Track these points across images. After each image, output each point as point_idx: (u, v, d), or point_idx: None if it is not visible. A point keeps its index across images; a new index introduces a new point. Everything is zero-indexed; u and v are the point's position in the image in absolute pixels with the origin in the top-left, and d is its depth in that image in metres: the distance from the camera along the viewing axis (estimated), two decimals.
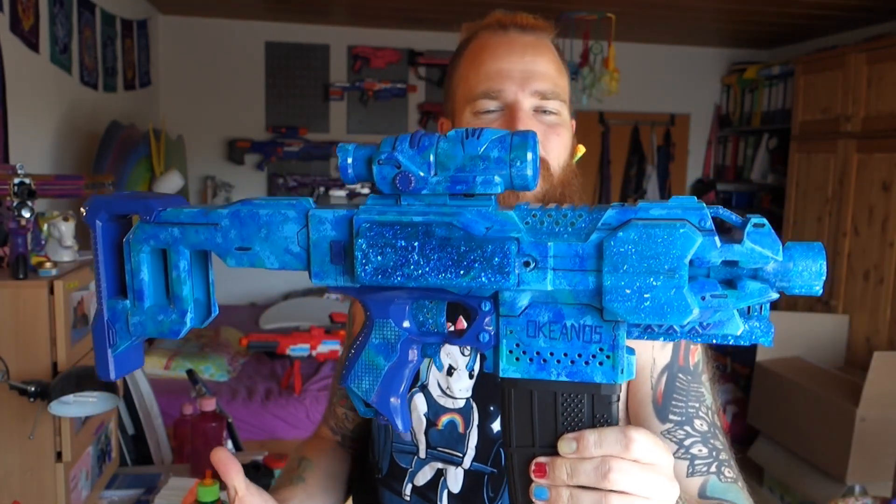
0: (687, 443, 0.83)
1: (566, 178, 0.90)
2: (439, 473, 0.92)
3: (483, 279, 0.48)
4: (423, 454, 0.93)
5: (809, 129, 3.93)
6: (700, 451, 0.83)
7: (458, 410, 0.92)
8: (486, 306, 0.52)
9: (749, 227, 0.46)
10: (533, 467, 0.52)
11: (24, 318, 1.46)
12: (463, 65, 0.93)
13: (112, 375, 0.57)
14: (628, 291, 0.46)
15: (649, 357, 0.86)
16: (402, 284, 0.50)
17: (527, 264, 0.49)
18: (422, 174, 0.51)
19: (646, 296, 0.46)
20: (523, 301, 0.50)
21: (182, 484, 1.75)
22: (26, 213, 1.49)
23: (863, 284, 3.53)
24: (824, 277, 0.46)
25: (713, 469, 0.82)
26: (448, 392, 0.92)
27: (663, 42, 4.78)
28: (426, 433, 0.93)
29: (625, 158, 4.94)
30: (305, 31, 4.47)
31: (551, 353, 0.50)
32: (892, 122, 3.35)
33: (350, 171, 0.53)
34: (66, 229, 1.66)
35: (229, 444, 2.12)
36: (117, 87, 3.36)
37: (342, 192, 4.56)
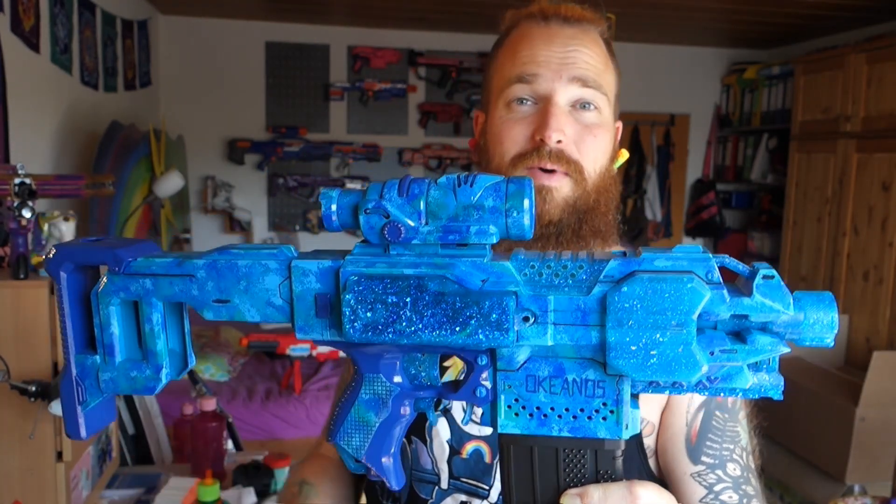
0: (717, 488, 0.79)
1: (603, 185, 0.84)
2: None
3: (480, 336, 0.46)
4: (445, 484, 0.85)
5: (809, 129, 3.93)
6: (730, 497, 0.79)
7: (485, 438, 0.84)
8: (483, 360, 0.49)
9: (758, 280, 0.45)
10: None
11: (24, 318, 1.46)
12: (500, 54, 0.87)
13: (83, 434, 0.53)
14: (634, 348, 0.44)
15: None
16: (394, 342, 0.47)
17: (526, 319, 0.46)
18: (412, 224, 0.48)
19: (652, 352, 0.44)
20: (522, 355, 0.48)
21: (182, 484, 1.75)
22: (27, 213, 1.49)
23: (862, 284, 3.53)
24: (836, 330, 0.45)
25: None
26: (474, 418, 0.84)
27: (663, 42, 4.78)
28: (449, 462, 0.85)
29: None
30: (305, 31, 4.47)
31: (552, 409, 0.48)
32: (891, 122, 3.35)
33: (334, 218, 0.50)
34: (67, 229, 1.66)
35: (229, 443, 2.12)
36: (117, 87, 3.37)
37: None
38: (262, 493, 1.78)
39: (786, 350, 0.45)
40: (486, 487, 0.84)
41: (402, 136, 4.68)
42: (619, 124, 0.92)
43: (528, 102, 0.83)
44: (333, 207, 0.50)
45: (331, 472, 0.94)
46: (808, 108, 3.94)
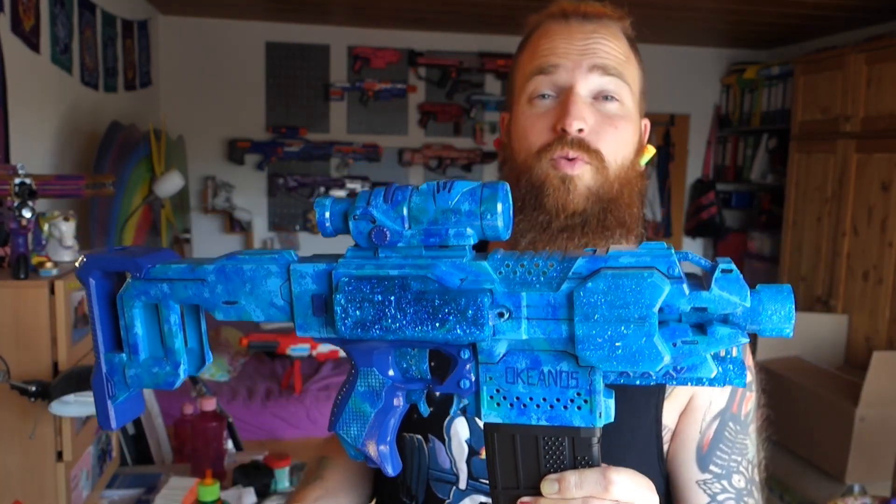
0: (720, 498, 0.80)
1: (627, 177, 0.84)
2: None
3: (458, 331, 0.49)
4: (463, 485, 0.85)
5: (809, 129, 3.93)
6: None
7: None
8: (465, 354, 0.52)
9: (717, 274, 0.47)
10: None
11: (24, 318, 1.46)
12: (522, 55, 0.88)
13: (113, 426, 0.58)
14: (600, 340, 0.47)
15: (707, 398, 0.83)
16: (381, 338, 0.51)
17: (501, 315, 0.50)
18: (396, 228, 0.51)
19: (617, 344, 0.47)
20: (501, 349, 0.51)
21: (182, 484, 1.75)
22: (27, 213, 1.50)
23: (862, 284, 3.53)
24: (794, 320, 0.47)
25: None
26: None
27: (663, 42, 4.78)
28: (468, 462, 0.85)
29: None
30: (305, 31, 4.47)
31: (531, 398, 0.51)
32: (891, 122, 3.35)
33: (328, 224, 0.54)
34: (67, 229, 1.66)
35: (229, 443, 2.13)
36: (118, 88, 3.37)
37: (342, 193, 4.56)
38: (262, 493, 1.78)
39: (745, 341, 0.47)
40: None
41: (402, 136, 4.68)
42: (647, 121, 0.92)
43: (550, 96, 0.83)
44: (327, 215, 0.54)
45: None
46: (808, 109, 3.94)
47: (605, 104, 0.83)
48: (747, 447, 0.83)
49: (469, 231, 0.51)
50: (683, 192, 5.13)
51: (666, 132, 4.97)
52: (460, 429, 0.86)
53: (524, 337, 0.50)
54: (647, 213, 4.93)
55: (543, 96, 0.83)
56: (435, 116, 4.68)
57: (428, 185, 0.52)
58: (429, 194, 0.51)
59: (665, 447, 0.84)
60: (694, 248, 5.22)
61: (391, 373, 0.55)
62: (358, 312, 0.51)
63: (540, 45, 0.85)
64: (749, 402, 0.84)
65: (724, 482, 0.81)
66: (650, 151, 0.91)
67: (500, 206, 0.50)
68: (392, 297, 0.50)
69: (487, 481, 0.82)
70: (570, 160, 0.81)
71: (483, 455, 0.84)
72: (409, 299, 0.50)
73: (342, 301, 0.51)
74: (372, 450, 0.56)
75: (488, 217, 0.50)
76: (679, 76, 4.91)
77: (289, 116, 4.53)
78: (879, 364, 2.96)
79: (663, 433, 0.83)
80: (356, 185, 4.57)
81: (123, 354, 0.57)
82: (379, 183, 4.59)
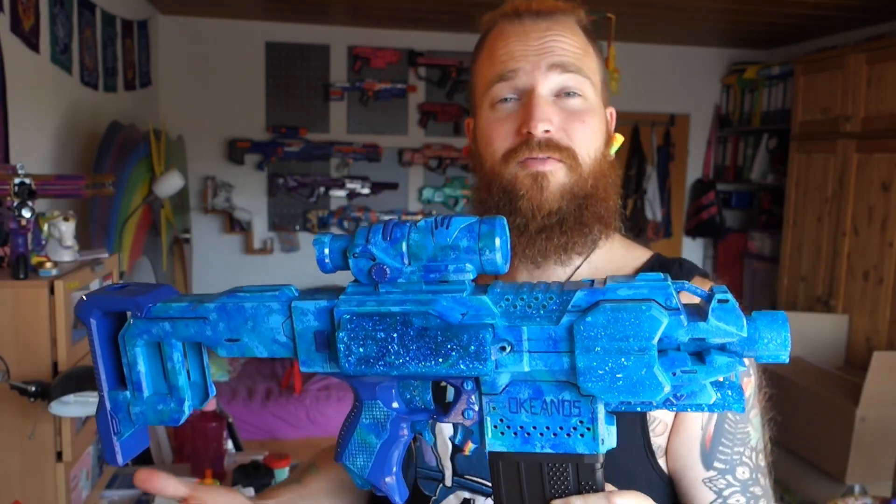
0: (726, 493, 0.81)
1: (599, 170, 0.84)
2: (466, 503, 0.86)
3: (462, 366, 0.50)
4: (448, 482, 0.87)
5: (809, 129, 3.93)
6: (738, 500, 0.80)
7: None
8: (469, 385, 0.53)
9: (714, 304, 0.48)
10: None
11: (24, 318, 1.46)
12: (480, 58, 0.88)
13: (120, 462, 0.59)
14: (601, 372, 0.48)
15: None
16: (385, 373, 0.52)
17: (503, 349, 0.50)
18: (396, 265, 0.52)
19: (618, 375, 0.48)
20: (503, 380, 0.52)
21: None
22: (27, 213, 1.49)
23: (862, 284, 3.53)
24: (790, 347, 0.48)
25: None
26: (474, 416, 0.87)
27: (663, 42, 4.78)
28: (452, 459, 0.86)
29: (625, 158, 4.94)
30: (305, 31, 4.47)
31: (534, 427, 0.52)
32: (891, 122, 3.35)
33: (328, 261, 0.54)
34: (67, 229, 1.66)
35: (229, 443, 2.12)
36: (117, 88, 3.36)
37: (342, 193, 4.56)
38: None
39: (742, 368, 0.49)
40: (489, 484, 0.84)
41: (402, 136, 4.68)
42: (612, 109, 0.91)
43: (512, 99, 0.83)
44: (326, 251, 0.54)
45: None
46: (808, 109, 3.94)
47: (567, 101, 0.82)
48: (749, 435, 0.82)
49: (469, 267, 0.51)
50: (683, 192, 5.13)
51: (666, 132, 4.97)
52: (444, 427, 0.86)
53: (526, 369, 0.50)
54: (647, 213, 4.93)
55: (506, 100, 0.83)
56: (435, 116, 4.68)
57: (426, 222, 0.52)
58: (427, 231, 0.52)
59: (658, 440, 0.83)
60: (694, 247, 5.22)
61: (395, 405, 0.56)
62: (361, 349, 0.51)
63: (496, 50, 0.84)
64: (748, 386, 0.83)
65: (729, 477, 0.81)
66: (619, 140, 0.90)
67: (498, 241, 0.50)
68: (395, 334, 0.51)
69: (472, 478, 0.85)
70: (542, 160, 0.81)
71: (467, 452, 0.86)
72: (411, 336, 0.50)
73: (345, 339, 0.51)
74: (377, 482, 0.57)
75: (487, 253, 0.50)
76: (679, 76, 4.91)
77: (289, 116, 4.52)
78: (880, 364, 2.96)
79: (653, 425, 0.82)
80: (356, 185, 4.57)
81: (127, 392, 0.58)
82: (379, 183, 4.59)
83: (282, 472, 1.87)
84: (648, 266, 0.89)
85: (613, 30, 3.51)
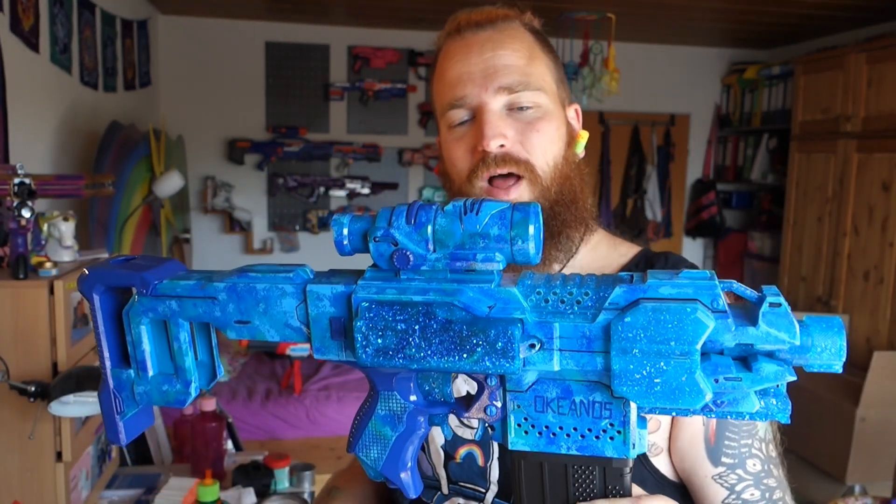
0: (739, 488, 0.79)
1: (562, 175, 0.83)
2: None
3: (487, 363, 0.46)
4: (445, 489, 0.86)
5: (809, 129, 3.93)
6: (752, 495, 0.79)
7: (477, 442, 0.84)
8: (493, 381, 0.50)
9: (765, 307, 0.44)
10: None
11: (24, 318, 1.46)
12: (434, 81, 0.88)
13: (122, 441, 0.56)
14: (638, 376, 0.45)
15: None
16: (405, 366, 0.48)
17: (532, 346, 0.47)
18: (420, 252, 0.49)
19: (656, 380, 0.44)
20: (530, 378, 0.49)
21: (182, 484, 1.75)
22: (26, 213, 1.49)
23: (863, 284, 3.53)
24: (844, 356, 0.44)
25: None
26: (466, 422, 0.84)
27: (663, 42, 4.78)
28: (445, 467, 0.86)
29: (625, 159, 4.94)
30: (305, 31, 4.47)
31: (560, 428, 0.49)
32: (892, 122, 3.35)
33: (346, 243, 0.51)
34: (66, 229, 1.66)
35: (229, 443, 2.12)
36: (117, 87, 3.36)
37: (342, 193, 4.56)
38: (261, 494, 1.78)
39: (792, 378, 0.45)
40: (483, 490, 0.84)
41: (402, 136, 4.68)
42: (576, 106, 0.90)
43: (466, 120, 0.84)
44: (345, 232, 0.50)
45: (360, 477, 0.97)
46: (808, 108, 3.94)
47: (520, 113, 0.82)
48: (756, 426, 0.81)
49: (499, 257, 0.48)
50: (684, 191, 5.12)
51: (666, 132, 4.97)
52: (436, 435, 0.86)
53: (556, 368, 0.47)
54: (647, 213, 4.93)
55: (462, 122, 0.84)
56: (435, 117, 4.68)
57: (454, 206, 0.49)
58: (455, 216, 0.48)
59: (652, 437, 0.82)
60: (694, 247, 5.22)
61: (413, 398, 0.53)
62: (380, 340, 0.48)
63: (445, 72, 0.85)
64: None
65: (739, 471, 0.79)
66: (584, 136, 0.89)
67: (531, 230, 0.47)
68: (416, 326, 0.47)
69: (465, 484, 0.85)
70: (504, 178, 0.81)
71: (458, 459, 0.85)
72: (434, 329, 0.47)
73: (363, 328, 0.48)
74: (392, 475, 0.54)
75: (519, 242, 0.47)
76: (679, 76, 4.90)
77: (289, 116, 4.52)
78: (880, 364, 2.96)
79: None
80: (356, 185, 4.57)
81: (131, 370, 0.55)
82: (379, 183, 4.59)
83: (281, 472, 1.87)
84: (634, 262, 0.88)
85: (613, 30, 3.51)
